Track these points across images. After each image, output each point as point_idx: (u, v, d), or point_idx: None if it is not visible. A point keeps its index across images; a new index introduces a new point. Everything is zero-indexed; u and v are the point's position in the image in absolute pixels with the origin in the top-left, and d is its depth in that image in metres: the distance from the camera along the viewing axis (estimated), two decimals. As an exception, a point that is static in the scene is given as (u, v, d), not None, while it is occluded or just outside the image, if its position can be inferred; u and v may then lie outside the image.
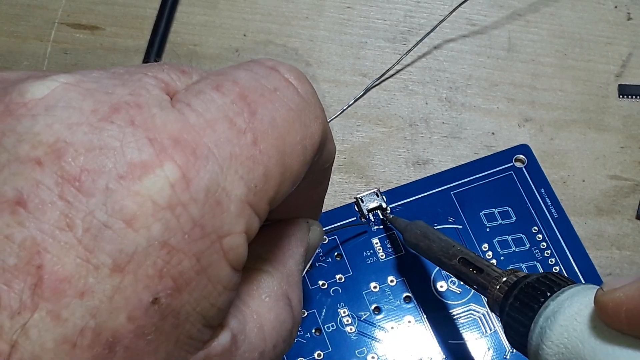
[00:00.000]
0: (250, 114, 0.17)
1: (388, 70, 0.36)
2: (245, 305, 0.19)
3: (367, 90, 0.36)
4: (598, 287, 0.20)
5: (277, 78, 0.18)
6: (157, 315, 0.15)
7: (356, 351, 0.29)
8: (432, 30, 0.36)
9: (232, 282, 0.17)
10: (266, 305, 0.20)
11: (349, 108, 0.35)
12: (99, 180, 0.15)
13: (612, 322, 0.19)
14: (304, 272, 0.24)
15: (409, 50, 0.36)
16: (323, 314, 0.30)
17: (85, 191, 0.14)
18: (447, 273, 0.29)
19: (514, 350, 0.29)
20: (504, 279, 0.23)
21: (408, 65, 0.37)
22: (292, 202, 0.19)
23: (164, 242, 0.15)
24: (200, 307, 0.16)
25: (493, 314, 0.30)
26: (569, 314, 0.20)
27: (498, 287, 0.23)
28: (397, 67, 0.36)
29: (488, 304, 0.24)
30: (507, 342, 0.30)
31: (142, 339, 0.15)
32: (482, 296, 0.24)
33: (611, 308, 0.18)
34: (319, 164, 0.20)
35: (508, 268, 0.24)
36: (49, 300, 0.14)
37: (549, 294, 0.21)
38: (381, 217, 0.32)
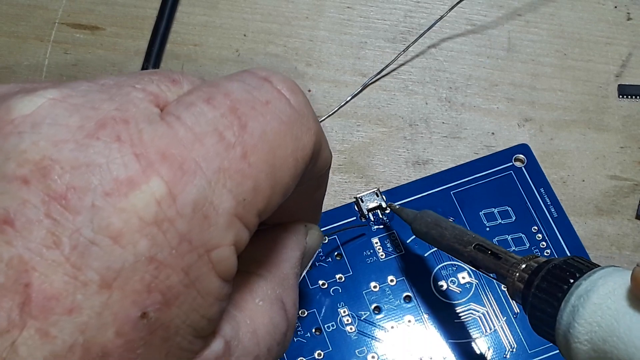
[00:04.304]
0: (241, 127, 0.17)
1: (386, 67, 0.36)
2: (239, 310, 0.19)
3: (365, 87, 0.36)
4: (629, 270, 0.19)
5: (269, 90, 0.18)
6: (146, 329, 0.15)
7: (356, 351, 0.29)
8: (430, 27, 0.36)
9: (222, 293, 0.17)
10: (260, 310, 0.20)
11: (349, 108, 0.35)
12: (85, 198, 0.15)
13: None
14: (303, 275, 0.24)
15: (408, 47, 0.36)
16: (323, 313, 0.30)
17: (71, 209, 0.15)
18: (462, 263, 0.28)
19: (514, 350, 0.30)
20: (524, 265, 0.23)
21: (408, 65, 0.37)
22: (290, 207, 0.19)
23: (151, 257, 0.15)
24: (190, 319, 0.16)
25: (492, 313, 0.30)
26: (603, 292, 0.20)
27: (518, 273, 0.23)
28: (397, 67, 0.36)
29: (508, 291, 0.24)
30: (506, 342, 0.30)
31: (131, 353, 0.15)
32: (501, 283, 0.24)
33: None
34: (314, 172, 0.20)
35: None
36: (37, 318, 0.14)
37: (578, 275, 0.21)
38: (382, 214, 0.32)
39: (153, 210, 0.15)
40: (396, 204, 0.32)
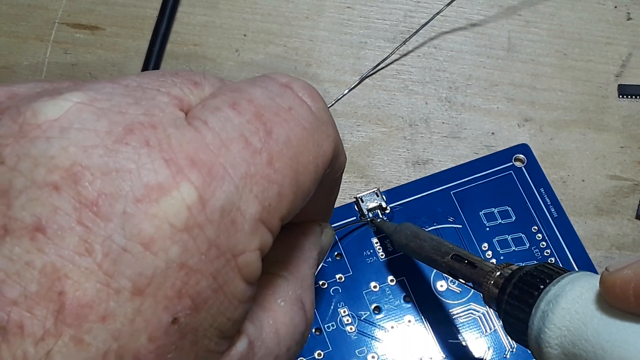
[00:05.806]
0: (266, 133, 0.17)
1: (383, 61, 0.36)
2: (262, 310, 0.20)
3: (362, 80, 0.36)
4: (597, 274, 0.20)
5: (291, 96, 0.18)
6: (176, 334, 0.15)
7: (356, 351, 0.29)
8: (428, 22, 0.36)
9: (247, 296, 0.17)
10: (281, 310, 0.20)
11: (349, 108, 0.35)
12: (116, 204, 0.15)
13: (618, 301, 0.19)
14: (316, 274, 0.24)
15: (405, 41, 0.36)
16: (323, 313, 0.30)
17: (103, 215, 0.15)
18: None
19: (514, 350, 0.30)
20: (499, 273, 0.24)
21: (408, 65, 0.37)
22: (307, 208, 0.20)
23: (182, 263, 0.15)
24: (217, 322, 0.16)
25: (492, 313, 0.30)
26: (571, 297, 0.20)
27: (493, 280, 0.24)
28: (398, 66, 0.36)
29: (484, 299, 0.24)
30: (507, 342, 0.30)
31: (162, 358, 0.15)
32: (478, 291, 0.25)
33: (619, 286, 0.19)
34: (330, 175, 0.21)
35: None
36: (71, 325, 0.14)
37: (547, 280, 0.21)
38: (382, 214, 0.32)
39: (184, 216, 0.15)
40: (396, 203, 0.32)
